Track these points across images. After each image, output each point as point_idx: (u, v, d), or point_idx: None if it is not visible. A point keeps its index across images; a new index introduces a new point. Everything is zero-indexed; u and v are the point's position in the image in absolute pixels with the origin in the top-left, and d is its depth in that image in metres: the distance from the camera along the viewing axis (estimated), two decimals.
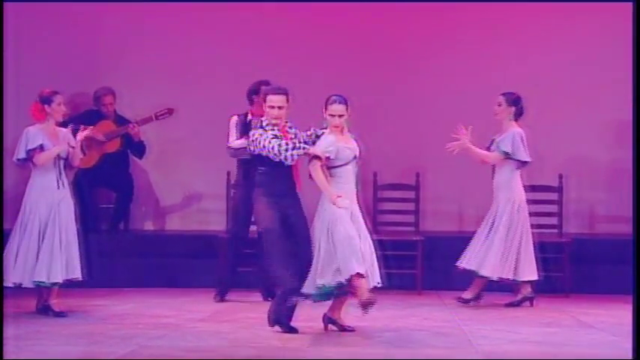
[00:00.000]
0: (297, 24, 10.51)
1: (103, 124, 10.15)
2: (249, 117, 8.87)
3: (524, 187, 9.72)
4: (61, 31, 10.56)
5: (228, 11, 10.48)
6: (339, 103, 7.27)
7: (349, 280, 7.04)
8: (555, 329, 7.58)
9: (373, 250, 7.26)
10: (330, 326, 7.33)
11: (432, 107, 10.51)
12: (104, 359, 6.32)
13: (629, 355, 6.55)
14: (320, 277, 7.08)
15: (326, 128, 7.31)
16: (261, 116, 8.78)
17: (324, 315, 7.32)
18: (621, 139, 10.39)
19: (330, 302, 7.31)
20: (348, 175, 7.23)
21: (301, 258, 7.15)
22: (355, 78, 10.31)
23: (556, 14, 10.40)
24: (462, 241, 8.96)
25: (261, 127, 7.24)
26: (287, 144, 7.09)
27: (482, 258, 8.56)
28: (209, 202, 9.73)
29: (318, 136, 7.28)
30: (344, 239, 7.05)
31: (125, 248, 10.00)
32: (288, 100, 7.25)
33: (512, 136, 8.67)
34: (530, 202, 9.69)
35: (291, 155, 7.08)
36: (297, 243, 7.16)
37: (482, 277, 8.60)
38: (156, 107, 10.02)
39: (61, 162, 8.04)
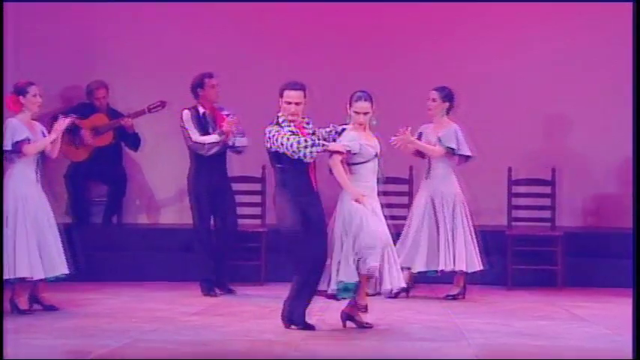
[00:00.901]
0: (290, 20, 10.48)
1: (95, 117, 10.14)
2: (202, 110, 8.81)
3: (518, 180, 9.76)
4: (54, 25, 10.52)
5: (221, 5, 10.45)
6: (365, 100, 7.13)
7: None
8: (548, 322, 7.60)
9: (394, 251, 7.15)
10: (348, 323, 7.20)
11: (423, 100, 10.51)
12: (96, 358, 6.31)
13: (628, 350, 6.56)
14: (342, 274, 6.96)
15: (348, 124, 7.17)
16: (211, 108, 8.82)
17: (342, 311, 7.20)
18: (614, 133, 10.39)
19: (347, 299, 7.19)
20: (368, 173, 7.10)
21: (317, 257, 7.00)
22: (347, 71, 10.30)
23: (545, 7, 10.39)
24: None
25: (277, 123, 7.03)
26: (306, 141, 6.91)
27: (463, 255, 8.61)
28: None
29: (338, 133, 7.15)
30: (365, 237, 6.94)
31: (118, 242, 9.99)
32: (305, 96, 7.05)
33: (455, 131, 8.73)
34: (523, 195, 9.72)
35: (310, 152, 6.88)
36: (314, 242, 7.01)
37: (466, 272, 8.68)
38: (148, 100, 10.00)
39: (38, 154, 7.93)
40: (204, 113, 8.82)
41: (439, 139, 8.76)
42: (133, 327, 7.18)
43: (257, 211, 9.77)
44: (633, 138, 8.97)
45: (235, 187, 9.77)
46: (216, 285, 8.82)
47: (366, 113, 7.12)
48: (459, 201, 8.70)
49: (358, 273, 6.97)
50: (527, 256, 9.47)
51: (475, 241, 8.70)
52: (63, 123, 7.97)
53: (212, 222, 8.92)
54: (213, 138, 8.72)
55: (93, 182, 10.36)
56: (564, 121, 10.46)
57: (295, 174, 6.98)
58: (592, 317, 7.83)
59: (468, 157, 8.80)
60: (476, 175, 10.34)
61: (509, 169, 9.71)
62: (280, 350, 6.45)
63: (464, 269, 8.60)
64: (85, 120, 10.11)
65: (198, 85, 8.83)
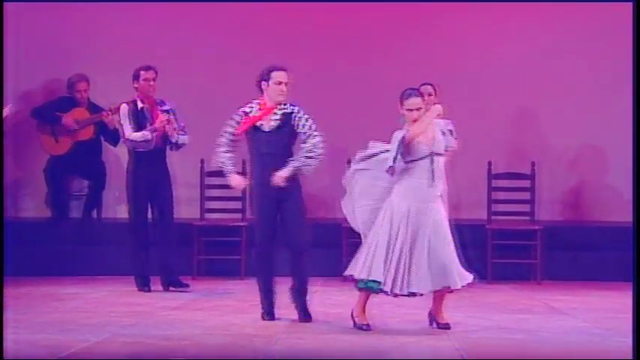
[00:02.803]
0: (276, 15, 10.49)
1: (76, 111, 10.11)
2: (140, 105, 8.74)
3: (498, 174, 9.78)
4: (35, 18, 10.48)
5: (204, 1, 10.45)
6: (415, 96, 7.02)
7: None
8: (527, 316, 7.63)
9: (425, 255, 6.88)
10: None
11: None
12: (76, 354, 6.30)
13: (606, 343, 6.62)
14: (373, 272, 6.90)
15: (403, 123, 7.02)
16: (150, 102, 8.71)
17: (429, 312, 7.15)
18: (594, 127, 10.45)
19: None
20: (421, 172, 6.91)
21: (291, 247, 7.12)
22: (333, 67, 10.35)
23: (533, 3, 10.43)
24: None
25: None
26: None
27: None
28: (182, 190, 9.71)
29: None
30: (380, 244, 6.87)
31: (98, 236, 9.97)
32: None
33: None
34: (503, 189, 9.75)
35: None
36: (287, 232, 7.11)
37: None
38: (129, 95, 9.96)
39: None
40: (142, 108, 8.74)
41: (451, 132, 8.51)
42: (112, 321, 7.17)
43: (237, 205, 9.77)
44: (633, 135, 9.03)
45: (216, 181, 9.77)
46: (168, 282, 8.74)
47: (418, 109, 7.02)
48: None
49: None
50: (507, 250, 9.50)
51: None
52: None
53: (150, 215, 8.82)
54: (142, 135, 8.64)
55: (72, 176, 10.33)
56: (543, 115, 10.50)
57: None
58: (571, 310, 7.88)
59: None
60: (456, 168, 10.37)
61: (489, 163, 9.74)
62: (261, 344, 6.45)
63: None
64: (66, 114, 10.07)
65: (134, 77, 8.74)
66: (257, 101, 7.27)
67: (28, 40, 10.44)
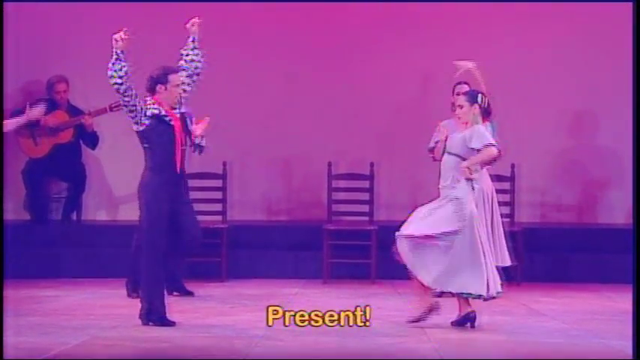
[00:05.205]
0: (250, 16, 10.50)
1: (55, 114, 10.08)
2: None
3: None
4: (14, 18, 10.44)
5: (184, 3, 10.43)
6: (463, 94, 7.24)
7: None
8: (507, 317, 7.66)
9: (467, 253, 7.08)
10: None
11: (386, 97, 10.56)
12: (55, 357, 6.28)
13: (583, 343, 6.66)
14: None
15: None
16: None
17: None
18: (573, 129, 10.52)
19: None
20: (444, 168, 7.16)
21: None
22: (310, 68, 10.35)
23: (507, 4, 10.47)
24: None
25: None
26: None
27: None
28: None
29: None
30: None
31: (77, 238, 9.94)
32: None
33: None
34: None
35: None
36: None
37: None
38: (110, 99, 9.94)
39: None
40: None
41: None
42: (92, 324, 7.15)
43: (218, 207, 9.75)
44: (633, 135, 9.07)
45: (196, 183, 9.75)
46: (173, 287, 8.60)
47: (459, 106, 7.19)
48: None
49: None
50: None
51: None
52: None
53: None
54: None
55: (51, 179, 10.30)
56: (523, 116, 10.54)
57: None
58: (550, 312, 7.91)
59: None
60: (434, 170, 10.41)
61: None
62: (241, 347, 6.45)
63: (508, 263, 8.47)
64: (45, 116, 10.04)
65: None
66: (152, 101, 7.16)
67: (6, 41, 10.39)
